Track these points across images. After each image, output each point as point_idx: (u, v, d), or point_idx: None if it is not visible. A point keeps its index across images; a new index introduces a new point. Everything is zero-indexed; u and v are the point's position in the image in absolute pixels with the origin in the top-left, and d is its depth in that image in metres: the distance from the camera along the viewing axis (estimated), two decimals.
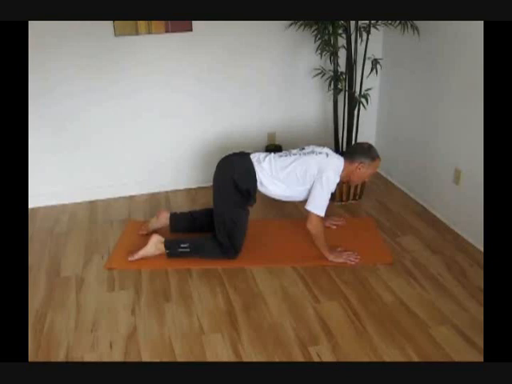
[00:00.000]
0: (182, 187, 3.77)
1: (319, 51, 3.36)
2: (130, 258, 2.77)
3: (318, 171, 2.62)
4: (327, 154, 2.70)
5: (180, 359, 2.12)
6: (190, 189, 3.77)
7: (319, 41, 3.28)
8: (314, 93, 3.76)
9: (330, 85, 3.42)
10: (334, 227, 3.09)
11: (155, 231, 2.95)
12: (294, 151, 2.76)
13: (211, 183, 2.79)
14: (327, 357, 2.10)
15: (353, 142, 3.44)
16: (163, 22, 3.25)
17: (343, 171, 2.69)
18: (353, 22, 3.22)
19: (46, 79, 3.24)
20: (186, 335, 2.25)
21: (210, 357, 2.13)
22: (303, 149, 2.76)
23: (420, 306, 2.39)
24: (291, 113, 3.77)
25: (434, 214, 3.26)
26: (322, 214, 2.63)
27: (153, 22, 3.23)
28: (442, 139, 3.12)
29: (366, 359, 2.09)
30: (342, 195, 3.44)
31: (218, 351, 2.15)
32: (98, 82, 3.33)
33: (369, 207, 3.41)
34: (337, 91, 3.38)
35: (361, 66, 3.34)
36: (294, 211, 3.31)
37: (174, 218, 3.00)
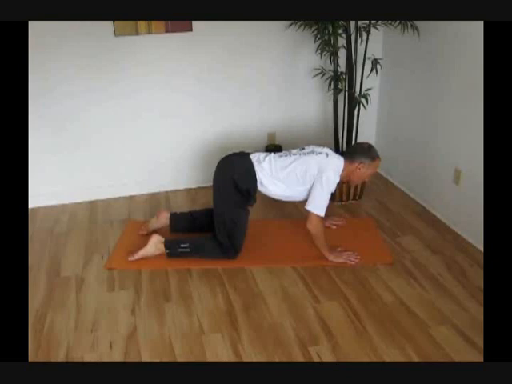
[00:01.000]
0: (181, 187, 3.77)
1: (319, 51, 3.36)
2: (130, 258, 2.77)
3: (318, 171, 2.62)
4: (327, 154, 2.70)
5: (180, 359, 2.12)
6: (190, 189, 3.77)
7: (319, 41, 3.28)
8: (314, 93, 3.76)
9: (329, 85, 3.42)
10: (334, 227, 3.09)
11: (155, 231, 2.95)
12: (294, 151, 2.76)
13: (211, 183, 2.79)
14: (327, 357, 2.10)
15: (353, 142, 3.44)
16: (163, 22, 3.25)
17: (343, 171, 2.69)
18: (353, 22, 3.22)
19: (46, 79, 3.24)
20: (186, 335, 2.25)
21: (210, 357, 2.13)
22: (303, 149, 2.76)
23: (420, 306, 2.39)
24: (291, 113, 3.77)
25: (434, 213, 3.26)
26: (322, 213, 2.63)
27: (153, 22, 3.23)
28: (442, 139, 3.12)
29: (366, 359, 2.09)
30: (342, 195, 3.44)
31: (218, 351, 2.15)
32: (98, 82, 3.33)
33: (369, 207, 3.41)
34: (337, 91, 3.38)
35: (361, 66, 3.34)
36: (294, 211, 3.31)
37: (174, 218, 3.00)
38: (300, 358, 2.10)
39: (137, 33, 3.25)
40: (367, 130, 3.86)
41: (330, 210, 2.85)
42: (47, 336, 2.27)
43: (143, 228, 3.06)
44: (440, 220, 3.19)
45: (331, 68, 3.40)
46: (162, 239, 2.77)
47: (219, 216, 2.71)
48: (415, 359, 2.08)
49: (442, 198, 3.18)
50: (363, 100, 3.32)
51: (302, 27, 3.34)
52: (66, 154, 3.47)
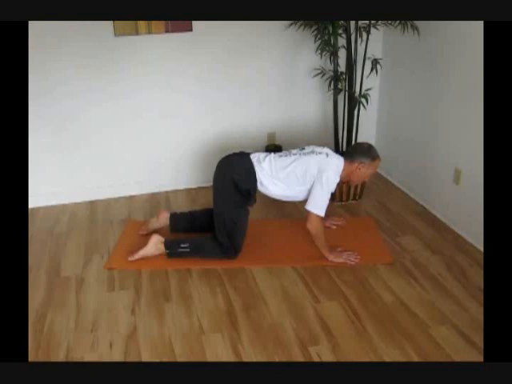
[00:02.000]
0: (181, 187, 3.77)
1: (319, 51, 3.36)
2: (129, 258, 2.77)
3: (318, 171, 2.62)
4: (327, 154, 2.70)
5: (180, 359, 2.12)
6: (190, 189, 3.77)
7: (319, 41, 3.28)
8: (314, 93, 3.76)
9: (329, 85, 3.42)
10: (334, 227, 3.09)
11: (155, 231, 2.95)
12: (294, 151, 2.77)
13: (211, 183, 2.79)
14: (327, 357, 2.10)
15: (353, 142, 3.44)
16: (163, 21, 3.25)
17: (343, 171, 2.69)
18: (353, 22, 3.22)
19: (46, 79, 3.24)
20: (186, 335, 2.25)
21: (210, 357, 2.13)
22: (303, 149, 2.76)
23: (420, 306, 2.39)
24: (291, 113, 3.77)
25: (434, 213, 3.26)
26: (322, 213, 2.63)
27: (153, 22, 3.23)
28: (442, 139, 3.12)
29: (366, 359, 2.09)
30: (342, 195, 3.44)
31: (218, 351, 2.15)
32: (98, 82, 3.33)
33: (369, 207, 3.41)
34: (337, 91, 3.38)
35: (361, 66, 3.34)
36: (293, 211, 3.31)
37: (174, 218, 3.00)
38: (300, 358, 2.10)
39: (137, 33, 3.25)
40: (367, 130, 3.86)
41: (330, 210, 2.85)
42: (47, 336, 2.27)
43: (143, 228, 3.06)
44: (440, 220, 3.19)
45: (331, 68, 3.40)
46: (162, 239, 2.77)
47: (219, 216, 2.71)
48: (415, 359, 2.08)
49: (442, 197, 3.18)
50: (363, 100, 3.32)
51: (302, 27, 3.34)
52: (66, 154, 3.47)
